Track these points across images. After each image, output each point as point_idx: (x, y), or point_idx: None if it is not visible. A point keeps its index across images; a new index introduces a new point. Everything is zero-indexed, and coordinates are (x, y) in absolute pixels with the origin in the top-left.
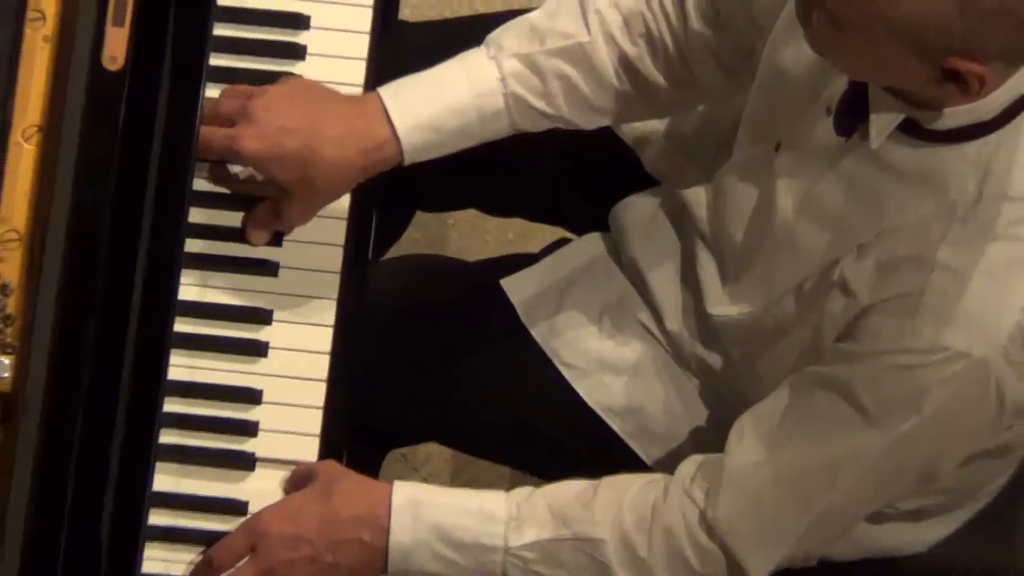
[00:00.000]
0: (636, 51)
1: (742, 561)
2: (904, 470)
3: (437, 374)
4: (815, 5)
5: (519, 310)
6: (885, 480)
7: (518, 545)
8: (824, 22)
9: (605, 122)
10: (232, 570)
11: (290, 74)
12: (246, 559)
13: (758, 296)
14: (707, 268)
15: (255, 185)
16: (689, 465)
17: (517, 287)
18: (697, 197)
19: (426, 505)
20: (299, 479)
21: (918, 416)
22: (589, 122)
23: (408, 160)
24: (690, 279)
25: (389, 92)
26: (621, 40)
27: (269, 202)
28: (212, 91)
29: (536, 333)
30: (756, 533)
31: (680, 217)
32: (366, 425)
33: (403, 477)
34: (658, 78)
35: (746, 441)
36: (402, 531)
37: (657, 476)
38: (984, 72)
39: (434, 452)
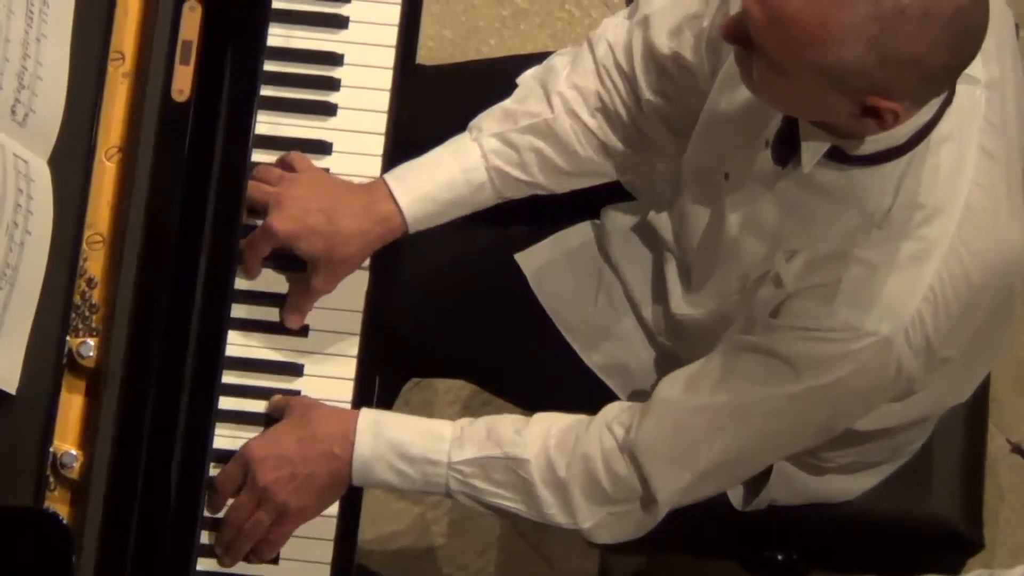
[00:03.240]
0: (595, 122)
1: (652, 481)
2: (807, 423)
3: (462, 324)
4: (756, 52)
5: (530, 279)
6: (790, 429)
7: (458, 460)
8: (762, 67)
9: (575, 185)
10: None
11: (326, 104)
12: (244, 490)
13: (713, 300)
14: (672, 275)
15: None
16: (614, 407)
17: (528, 260)
18: (663, 221)
19: (386, 425)
20: (277, 410)
21: (826, 378)
22: (561, 185)
23: (412, 229)
24: (659, 283)
25: (392, 175)
26: (581, 114)
27: (296, 288)
28: (262, 117)
29: (542, 298)
30: (670, 454)
31: (650, 234)
32: (399, 359)
33: None
34: (616, 143)
35: (675, 384)
36: (363, 445)
37: (584, 416)
38: (897, 108)
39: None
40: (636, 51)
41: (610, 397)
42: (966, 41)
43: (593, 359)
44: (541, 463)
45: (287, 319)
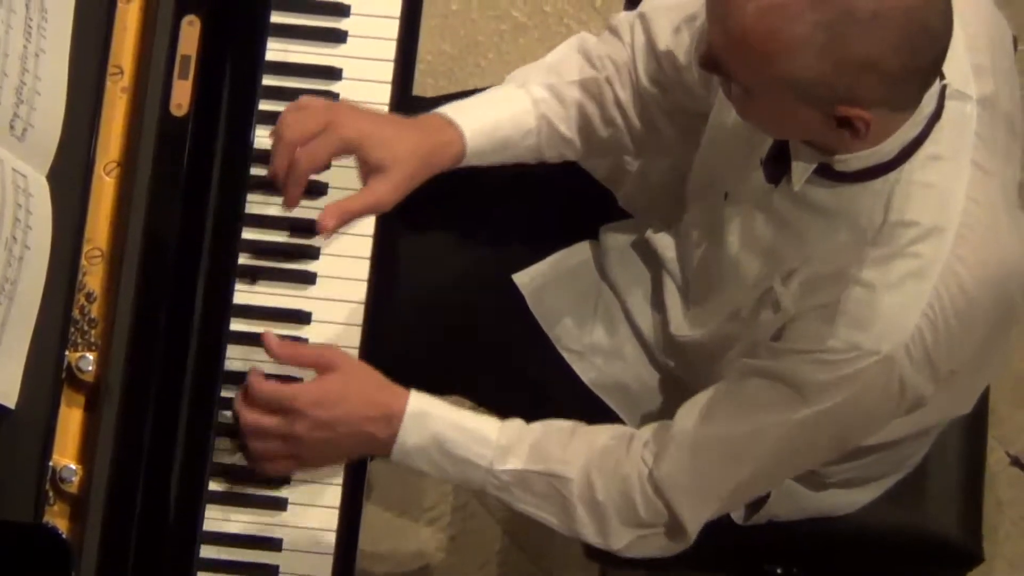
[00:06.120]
0: (626, 95)
1: (679, 512)
2: (817, 443)
3: (459, 343)
4: (730, 80)
5: (528, 299)
6: (801, 449)
7: (499, 470)
8: (738, 91)
9: (596, 156)
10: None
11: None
12: (276, 419)
13: (713, 321)
14: (672, 297)
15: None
16: (646, 431)
17: (526, 280)
18: (662, 240)
19: (432, 417)
20: (319, 364)
21: (833, 400)
22: (587, 153)
23: (466, 162)
24: (658, 304)
25: (451, 107)
26: (616, 84)
27: (359, 195)
28: (261, 131)
29: (540, 318)
30: (692, 486)
31: (649, 253)
32: (396, 376)
33: None
34: (636, 121)
35: (691, 415)
36: (407, 434)
37: (623, 430)
38: (868, 117)
39: None
40: (638, 41)
41: (608, 416)
42: (924, 41)
43: (591, 377)
44: (582, 483)
45: (324, 217)
